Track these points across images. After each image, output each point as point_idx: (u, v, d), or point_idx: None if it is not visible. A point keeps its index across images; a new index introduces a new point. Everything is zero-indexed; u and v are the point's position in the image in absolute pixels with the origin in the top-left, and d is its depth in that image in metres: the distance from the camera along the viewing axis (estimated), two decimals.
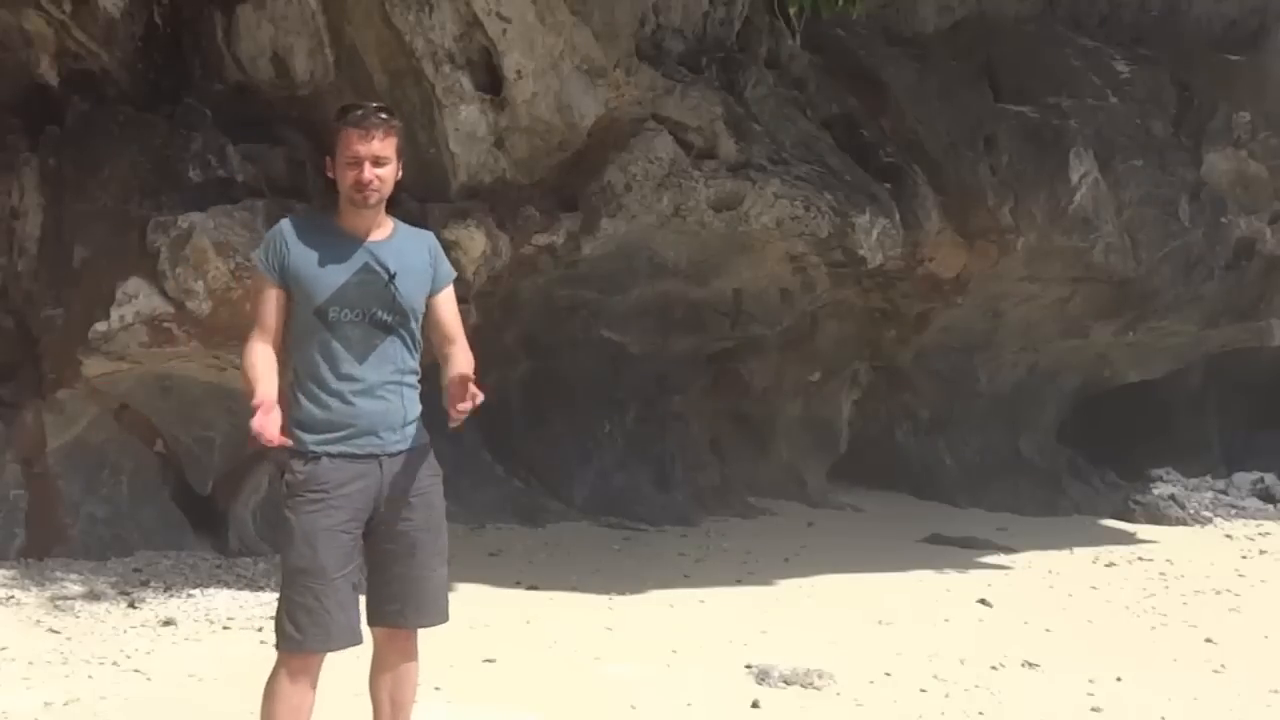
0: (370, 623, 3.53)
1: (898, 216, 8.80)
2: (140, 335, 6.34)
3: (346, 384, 3.40)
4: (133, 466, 6.89)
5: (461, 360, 3.56)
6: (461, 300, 6.91)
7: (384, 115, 3.47)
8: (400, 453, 3.46)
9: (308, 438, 3.40)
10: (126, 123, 6.78)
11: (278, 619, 3.38)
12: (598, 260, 7.93)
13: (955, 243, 9.26)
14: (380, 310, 3.43)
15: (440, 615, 3.56)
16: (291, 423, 3.42)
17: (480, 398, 3.39)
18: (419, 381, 3.56)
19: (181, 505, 7.06)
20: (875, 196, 8.72)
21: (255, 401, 3.29)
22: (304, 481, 3.38)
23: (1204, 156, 10.44)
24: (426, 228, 6.63)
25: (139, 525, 6.86)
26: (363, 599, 3.50)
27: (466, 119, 7.06)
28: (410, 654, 3.57)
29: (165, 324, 6.34)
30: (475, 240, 6.93)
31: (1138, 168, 9.95)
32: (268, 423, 3.27)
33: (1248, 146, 10.60)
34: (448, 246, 6.79)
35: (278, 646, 3.39)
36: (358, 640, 3.41)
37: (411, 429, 3.50)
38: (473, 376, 3.43)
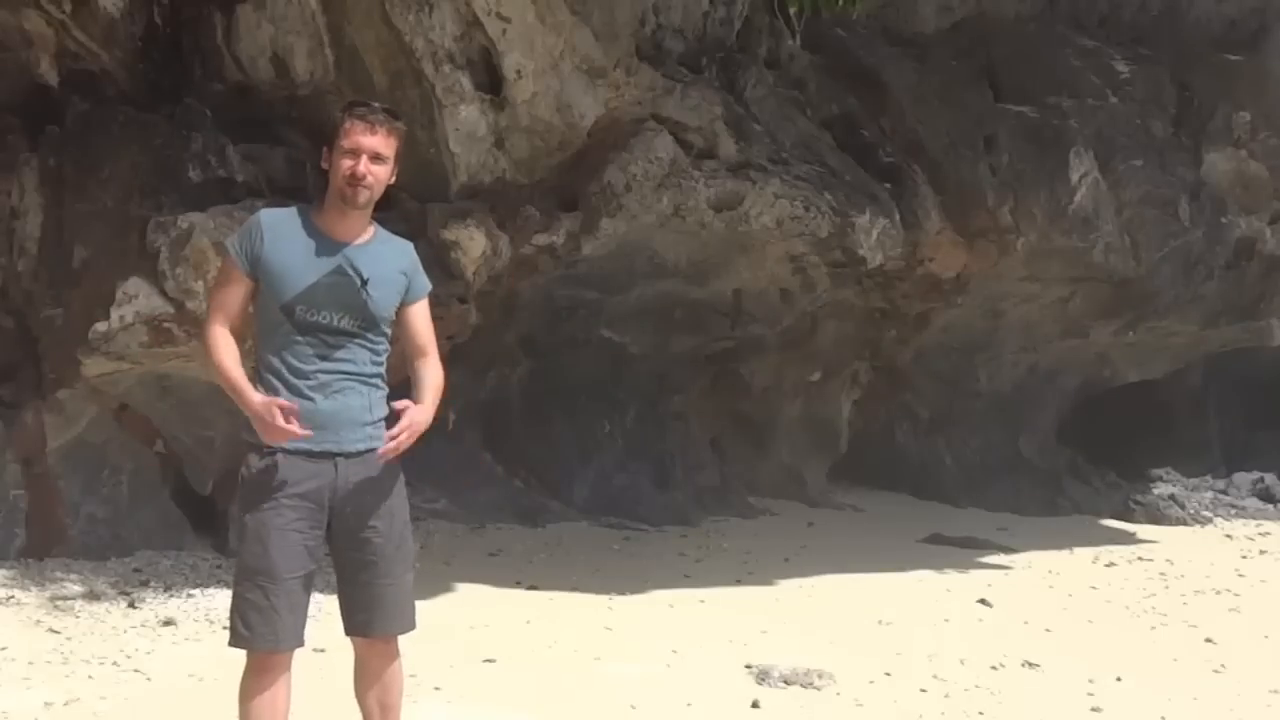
0: (345, 632, 3.54)
1: (898, 216, 8.81)
2: (140, 335, 6.33)
3: (306, 382, 3.37)
4: (133, 466, 6.89)
5: (429, 380, 3.53)
6: (461, 300, 7.04)
7: (390, 114, 3.45)
8: (359, 453, 3.41)
9: None
10: (126, 123, 6.77)
11: (230, 615, 3.40)
12: (598, 260, 7.93)
13: (955, 243, 9.26)
14: (349, 314, 3.39)
15: (406, 624, 3.54)
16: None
17: (405, 441, 3.36)
18: (385, 384, 3.51)
19: (181, 505, 7.06)
20: (875, 196, 8.72)
21: (258, 407, 3.29)
22: (258, 477, 3.37)
23: (1204, 156, 10.44)
24: (426, 228, 6.77)
25: (139, 525, 6.86)
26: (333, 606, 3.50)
27: (466, 119, 7.05)
28: (391, 655, 3.56)
29: (165, 324, 6.34)
30: (475, 240, 6.93)
31: (1138, 168, 9.95)
32: (284, 425, 3.27)
33: (1248, 146, 10.60)
34: (448, 246, 6.88)
35: (229, 643, 3.41)
36: (300, 643, 3.41)
37: (373, 430, 3.44)
38: (417, 417, 3.39)
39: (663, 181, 7.68)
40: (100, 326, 6.29)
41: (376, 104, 3.50)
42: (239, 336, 3.47)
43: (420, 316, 3.58)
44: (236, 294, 3.43)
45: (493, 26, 6.99)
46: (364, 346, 3.43)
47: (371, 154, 3.36)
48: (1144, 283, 10.21)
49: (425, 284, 3.60)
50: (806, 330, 9.77)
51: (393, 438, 3.36)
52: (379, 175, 3.39)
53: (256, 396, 3.32)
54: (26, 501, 6.55)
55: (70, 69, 6.96)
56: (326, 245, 3.41)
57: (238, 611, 3.37)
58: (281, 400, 3.30)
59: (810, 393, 10.46)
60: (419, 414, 3.41)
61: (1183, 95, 10.50)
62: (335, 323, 3.38)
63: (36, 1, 6.73)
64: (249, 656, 3.38)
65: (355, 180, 3.36)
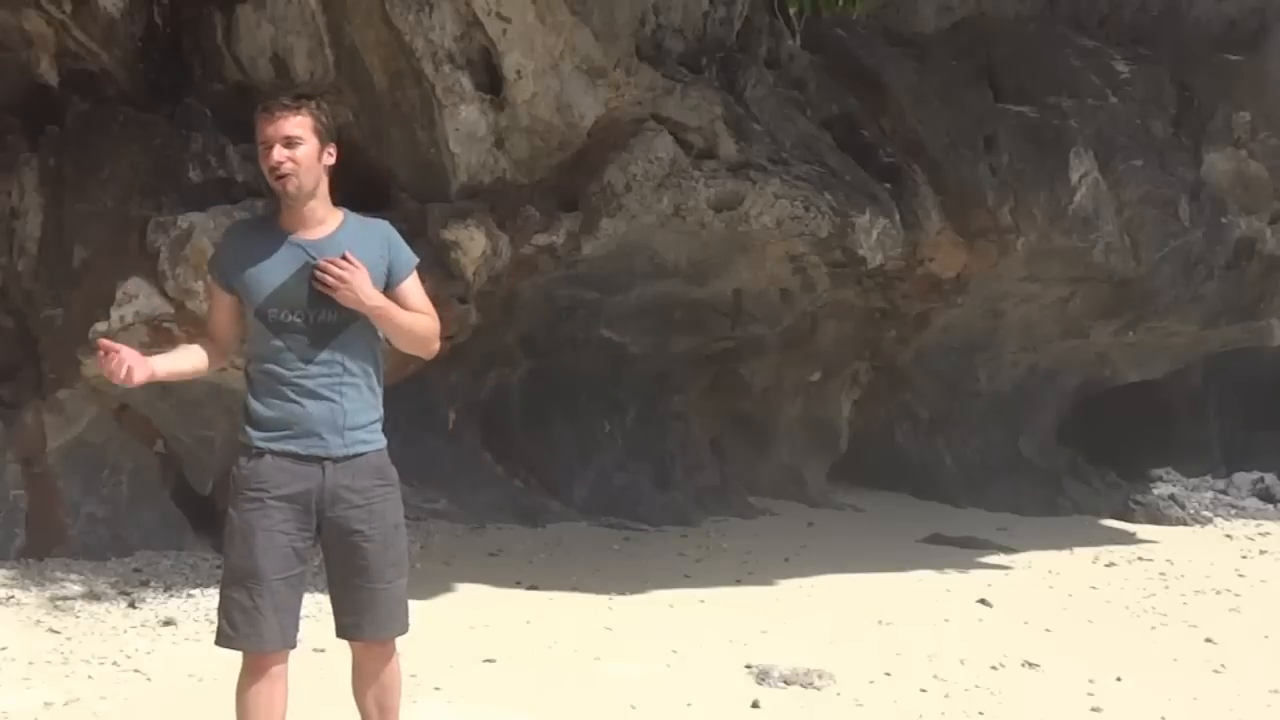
0: (336, 634, 3.53)
1: (898, 216, 8.80)
2: (140, 335, 6.33)
3: (291, 386, 3.34)
4: (133, 466, 6.89)
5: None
6: (461, 300, 7.03)
7: (295, 97, 3.40)
8: (345, 458, 3.37)
9: (254, 434, 3.37)
10: (126, 123, 6.77)
11: (218, 615, 3.40)
12: (598, 260, 7.93)
13: (955, 243, 9.26)
14: (325, 310, 3.33)
15: (398, 627, 3.52)
16: (242, 420, 3.42)
17: (341, 274, 3.28)
18: (378, 385, 3.47)
19: (181, 505, 7.06)
20: (875, 196, 8.72)
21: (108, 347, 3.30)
22: (246, 478, 3.36)
23: (1204, 156, 10.43)
24: (426, 228, 6.77)
25: (139, 525, 6.86)
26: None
27: (466, 119, 7.05)
28: (387, 657, 3.54)
29: (165, 324, 6.34)
30: (475, 240, 6.93)
31: (1138, 168, 9.95)
32: (118, 357, 3.28)
33: (1248, 146, 10.59)
34: (448, 246, 6.88)
35: (215, 642, 3.41)
36: (290, 645, 3.39)
37: (359, 434, 3.40)
38: (365, 283, 3.32)
39: (663, 181, 7.68)
40: (100, 326, 6.29)
41: (285, 94, 3.47)
42: (228, 346, 3.53)
43: (412, 294, 3.47)
44: (220, 310, 3.48)
45: (493, 26, 6.99)
46: (348, 343, 3.38)
47: (281, 140, 3.30)
48: (1144, 283, 10.21)
49: (409, 258, 3.50)
50: (806, 330, 9.77)
51: (338, 265, 3.28)
52: (299, 158, 3.31)
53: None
54: (26, 501, 6.56)
55: (70, 69, 6.96)
56: (288, 244, 3.37)
57: (223, 612, 3.37)
58: (109, 345, 3.31)
59: (810, 393, 10.46)
60: (369, 286, 3.32)
61: (1183, 95, 10.50)
62: (312, 321, 3.34)
63: (36, 1, 6.73)
64: (244, 657, 3.38)
65: (274, 171, 3.32)
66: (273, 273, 3.35)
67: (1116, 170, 9.80)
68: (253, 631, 3.32)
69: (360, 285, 3.30)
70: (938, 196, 9.10)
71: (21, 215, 6.83)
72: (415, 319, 3.45)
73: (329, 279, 3.28)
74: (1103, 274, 10.00)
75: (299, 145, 3.31)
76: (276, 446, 3.34)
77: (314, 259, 3.33)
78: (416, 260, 3.54)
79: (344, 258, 3.30)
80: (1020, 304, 10.46)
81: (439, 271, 6.73)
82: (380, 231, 3.49)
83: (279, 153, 3.30)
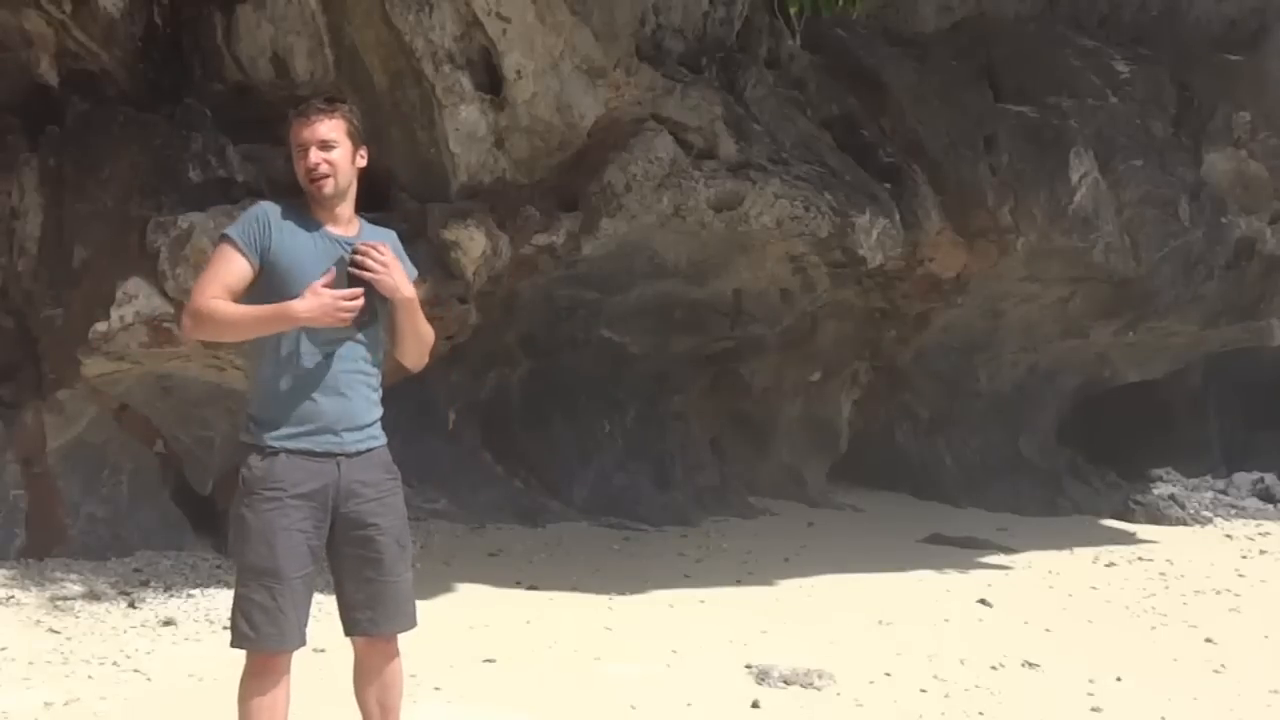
0: (346, 632, 3.53)
1: (898, 216, 8.81)
2: (140, 335, 6.33)
3: (309, 380, 3.35)
4: (133, 466, 6.89)
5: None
6: (461, 300, 7.03)
7: (328, 101, 3.45)
8: (359, 453, 3.41)
9: (267, 433, 3.36)
10: (126, 123, 6.77)
11: (232, 616, 3.38)
12: (598, 260, 7.93)
13: (955, 243, 9.26)
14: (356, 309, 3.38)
15: (409, 621, 3.53)
16: (249, 418, 3.41)
17: (382, 265, 3.35)
18: (380, 384, 3.52)
19: (181, 505, 7.06)
20: (875, 196, 8.72)
21: (311, 306, 3.25)
22: (261, 479, 3.34)
23: (1204, 156, 10.44)
24: (426, 228, 6.77)
25: (139, 525, 6.86)
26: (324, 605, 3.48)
27: (466, 119, 7.05)
28: (391, 655, 3.55)
29: (165, 324, 6.33)
30: (475, 240, 6.93)
31: (1138, 168, 9.95)
32: (343, 300, 3.27)
33: (1248, 146, 10.60)
34: (448, 246, 6.88)
35: (232, 644, 3.39)
36: (304, 643, 3.40)
37: (372, 430, 3.46)
38: (401, 278, 3.41)
39: (663, 181, 7.68)
40: (100, 326, 6.29)
41: (317, 98, 3.51)
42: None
43: None
44: (240, 275, 3.36)
45: (493, 26, 6.99)
46: (364, 341, 3.43)
47: (317, 143, 3.37)
48: (1144, 283, 10.21)
49: (413, 270, 3.61)
50: (806, 330, 9.77)
51: (380, 249, 3.35)
52: (335, 160, 3.38)
53: (298, 302, 3.28)
54: (26, 501, 6.56)
55: (70, 69, 6.96)
56: (328, 239, 3.41)
57: (242, 612, 3.34)
58: (318, 285, 3.28)
59: (810, 393, 10.46)
60: (404, 277, 3.42)
61: (1183, 95, 10.51)
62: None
63: (36, 1, 6.73)
64: (249, 658, 3.37)
65: (310, 173, 3.37)
66: (314, 265, 3.36)
67: (1116, 170, 9.81)
68: (275, 631, 3.32)
69: (398, 274, 3.39)
70: (938, 196, 9.11)
71: (21, 215, 6.83)
72: (427, 324, 3.56)
73: (370, 263, 3.34)
74: (1103, 274, 10.01)
75: (334, 148, 3.38)
76: (291, 445, 3.35)
77: (348, 253, 3.38)
78: (416, 273, 3.63)
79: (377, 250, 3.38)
80: (1020, 304, 10.47)
81: (439, 271, 6.73)
82: (392, 242, 3.57)
83: (315, 155, 3.36)
